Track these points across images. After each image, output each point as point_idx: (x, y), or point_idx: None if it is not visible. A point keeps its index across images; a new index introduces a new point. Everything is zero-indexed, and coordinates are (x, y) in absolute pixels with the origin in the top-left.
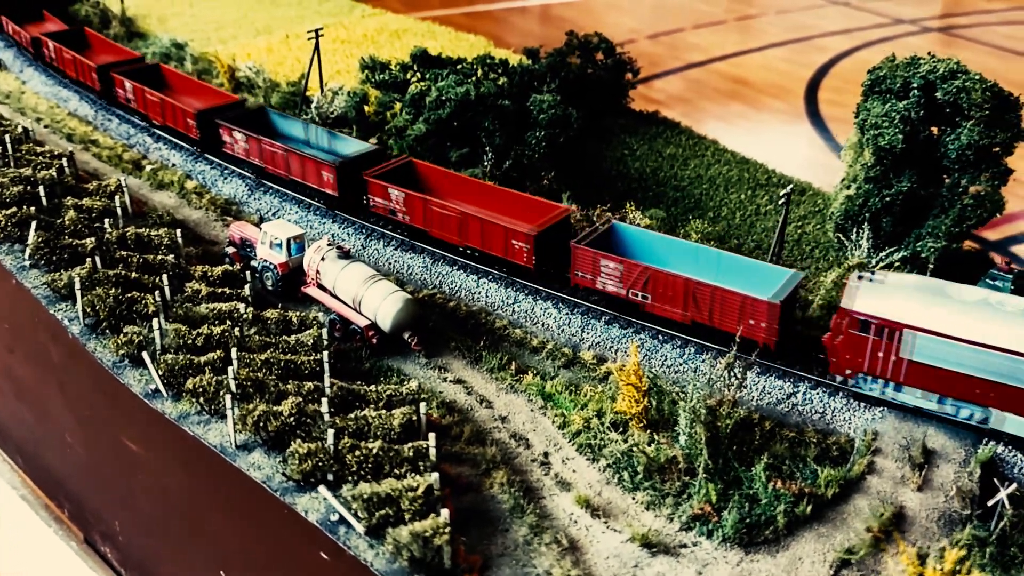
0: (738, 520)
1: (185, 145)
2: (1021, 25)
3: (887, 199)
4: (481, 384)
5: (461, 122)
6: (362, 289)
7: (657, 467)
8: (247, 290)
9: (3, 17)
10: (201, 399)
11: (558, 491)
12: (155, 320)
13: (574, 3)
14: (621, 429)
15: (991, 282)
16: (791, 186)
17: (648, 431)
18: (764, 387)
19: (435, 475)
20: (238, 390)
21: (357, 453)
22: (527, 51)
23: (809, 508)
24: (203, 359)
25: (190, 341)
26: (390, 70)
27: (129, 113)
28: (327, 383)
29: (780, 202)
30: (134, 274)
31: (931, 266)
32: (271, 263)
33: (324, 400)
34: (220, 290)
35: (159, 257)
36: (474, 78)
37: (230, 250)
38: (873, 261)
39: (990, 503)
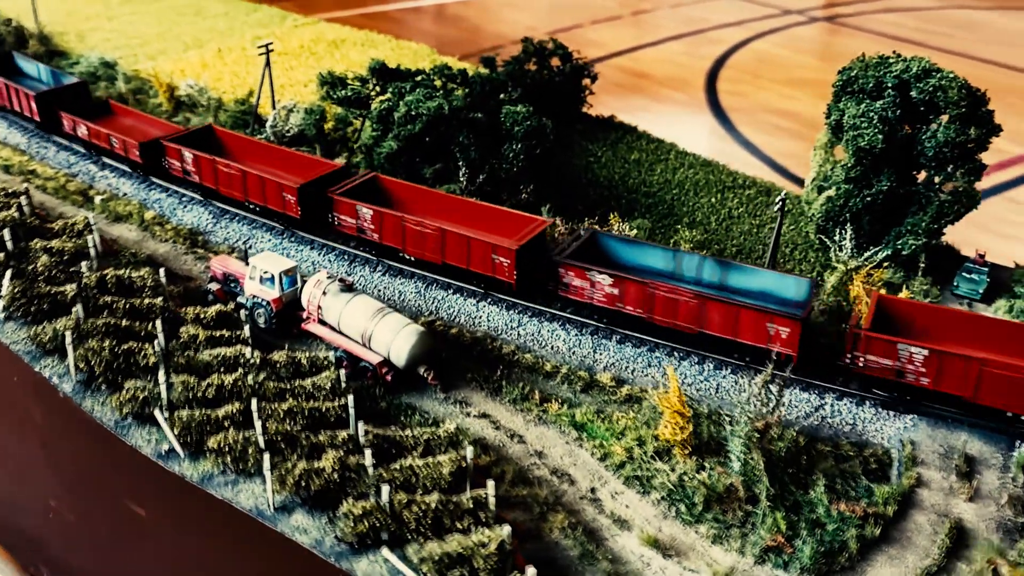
0: (815, 550)
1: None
2: (903, 12)
3: (868, 199)
4: (507, 417)
5: (433, 137)
6: (371, 324)
7: (716, 497)
8: (247, 331)
9: (63, 114)
10: (228, 458)
11: (618, 530)
12: (159, 372)
13: (470, 2)
14: (665, 457)
15: (967, 276)
16: (784, 192)
17: (694, 458)
18: (790, 400)
19: (507, 528)
20: (267, 446)
21: (415, 508)
22: (484, 59)
23: (879, 530)
24: (221, 413)
25: (200, 393)
26: (350, 85)
27: (366, 247)
28: (361, 431)
29: (776, 208)
30: (124, 321)
31: (922, 264)
32: (263, 299)
33: (367, 452)
34: (218, 333)
35: (146, 301)
36: (441, 91)
37: (213, 286)
38: (851, 261)
39: None
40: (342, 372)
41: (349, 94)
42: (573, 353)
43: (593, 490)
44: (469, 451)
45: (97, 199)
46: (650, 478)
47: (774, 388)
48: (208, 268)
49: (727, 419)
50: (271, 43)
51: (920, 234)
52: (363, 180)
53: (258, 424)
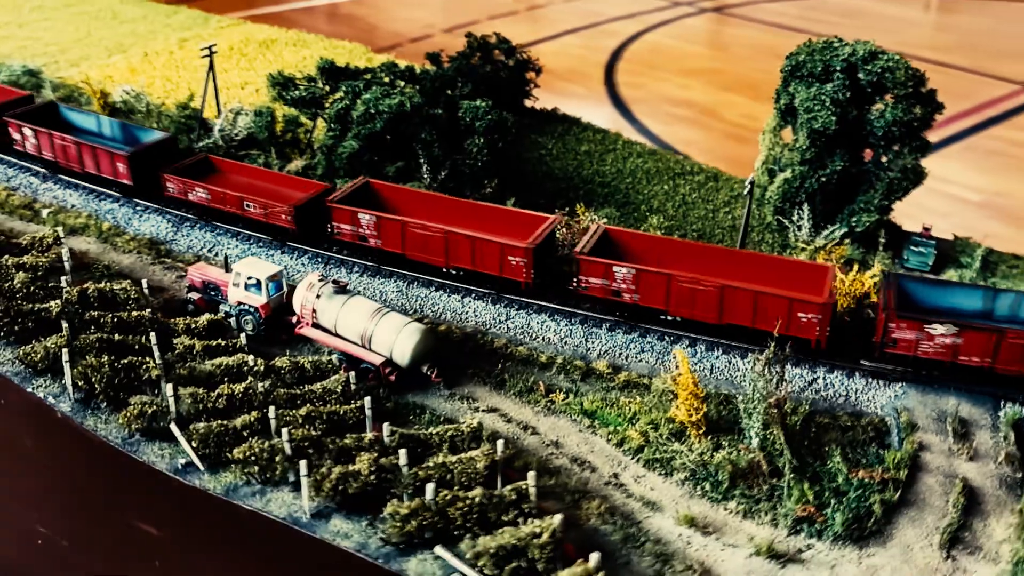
0: (848, 518)
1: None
2: (786, 1)
3: (823, 179)
4: (515, 409)
5: (395, 135)
6: (371, 324)
7: (740, 473)
8: (243, 339)
9: (169, 177)
10: (254, 468)
11: (649, 512)
12: (167, 386)
13: (363, 0)
14: (681, 439)
15: (915, 249)
16: (752, 176)
17: (709, 437)
18: (784, 376)
19: (558, 517)
20: (295, 453)
21: (459, 505)
22: (429, 56)
23: (898, 494)
24: (238, 423)
25: (210, 404)
26: (302, 86)
27: (617, 310)
28: (387, 431)
29: (745, 192)
30: (116, 336)
31: (882, 240)
32: (250, 306)
33: (402, 452)
34: (214, 343)
35: (134, 313)
36: (397, 89)
37: (193, 296)
38: (817, 240)
39: None
40: (352, 375)
41: (303, 94)
42: (565, 343)
43: (616, 475)
44: (499, 445)
45: (45, 212)
46: (670, 459)
47: (777, 365)
48: (184, 277)
49: (741, 397)
50: (214, 45)
51: (872, 211)
52: (600, 236)
53: (284, 432)
